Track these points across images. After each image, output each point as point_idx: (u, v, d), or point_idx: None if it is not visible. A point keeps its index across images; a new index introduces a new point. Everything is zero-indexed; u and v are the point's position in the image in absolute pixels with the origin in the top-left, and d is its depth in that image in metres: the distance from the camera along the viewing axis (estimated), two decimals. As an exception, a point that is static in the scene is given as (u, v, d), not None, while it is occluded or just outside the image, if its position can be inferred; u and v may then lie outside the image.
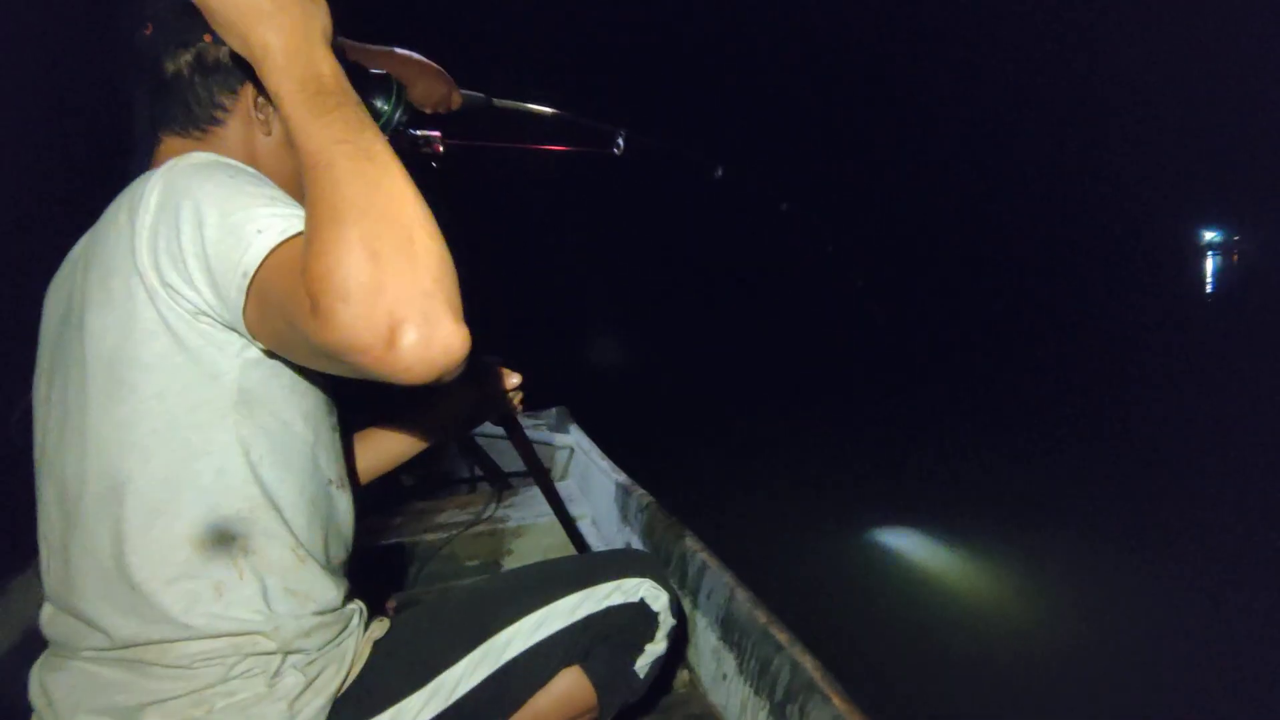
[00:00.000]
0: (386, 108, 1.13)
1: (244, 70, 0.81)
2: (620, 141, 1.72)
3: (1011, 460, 4.76)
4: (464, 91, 1.56)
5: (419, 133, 1.46)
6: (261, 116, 0.84)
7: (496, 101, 1.61)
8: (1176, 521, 3.59)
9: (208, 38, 0.79)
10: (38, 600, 0.82)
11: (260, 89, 0.82)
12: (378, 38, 1.50)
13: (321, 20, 0.63)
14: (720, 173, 1.92)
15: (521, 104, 1.63)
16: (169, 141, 0.82)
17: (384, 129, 1.19)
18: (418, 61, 1.51)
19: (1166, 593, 2.85)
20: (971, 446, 5.10)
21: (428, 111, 1.53)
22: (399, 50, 1.49)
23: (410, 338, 0.51)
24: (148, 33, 0.79)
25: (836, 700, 0.98)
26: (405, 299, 0.51)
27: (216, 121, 0.82)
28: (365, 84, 1.12)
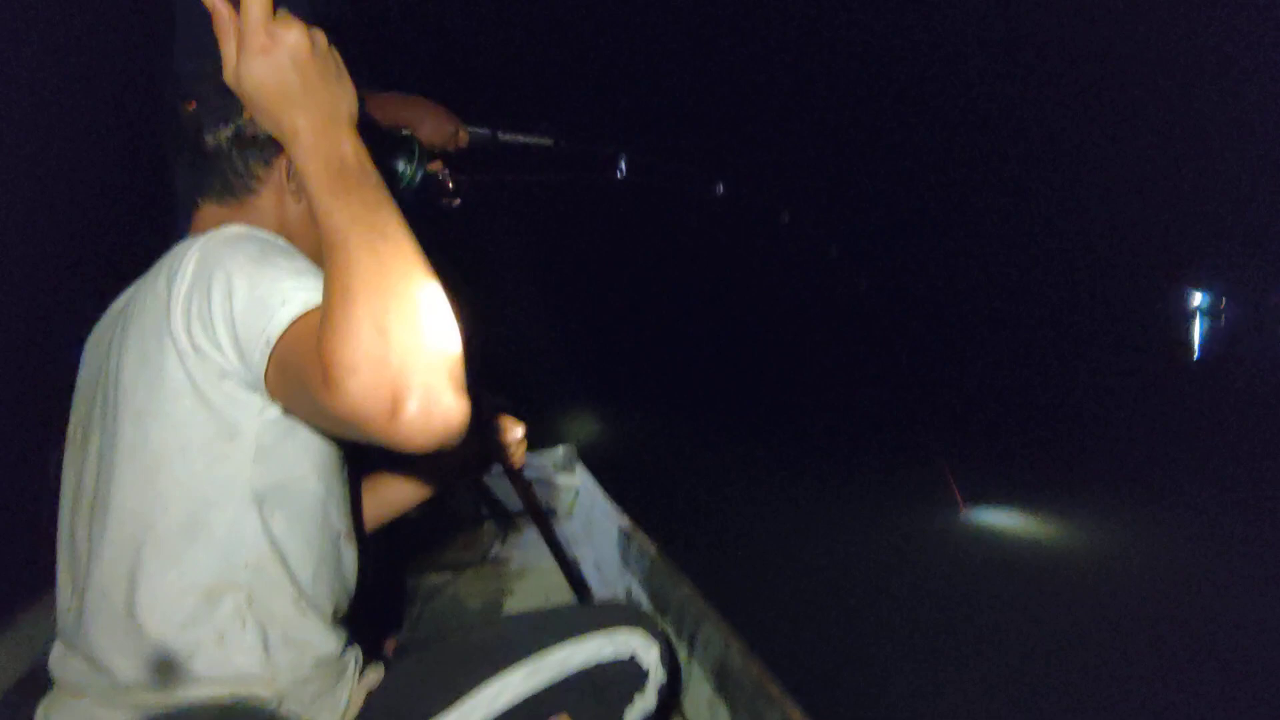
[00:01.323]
0: (409, 170, 1.19)
1: (278, 145, 0.87)
2: (622, 165, 1.76)
3: (1001, 507, 4.79)
4: (470, 128, 1.61)
5: (427, 168, 1.51)
6: (293, 186, 0.90)
7: (501, 135, 1.66)
8: (1163, 563, 3.58)
9: (247, 114, 0.85)
10: (43, 637, 0.86)
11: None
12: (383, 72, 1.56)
13: (348, 104, 0.68)
14: (721, 189, 1.92)
15: (524, 136, 1.68)
16: (207, 208, 0.88)
17: (405, 188, 1.25)
18: (424, 104, 1.57)
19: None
20: (961, 496, 5.16)
21: (436, 150, 1.56)
22: (407, 96, 1.55)
23: (412, 410, 0.55)
24: (190, 109, 0.86)
25: None
26: (408, 372, 0.55)
27: (251, 191, 0.88)
28: (388, 146, 1.17)
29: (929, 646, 2.88)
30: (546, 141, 1.69)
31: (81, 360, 0.90)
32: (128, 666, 0.74)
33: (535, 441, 1.42)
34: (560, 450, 3.00)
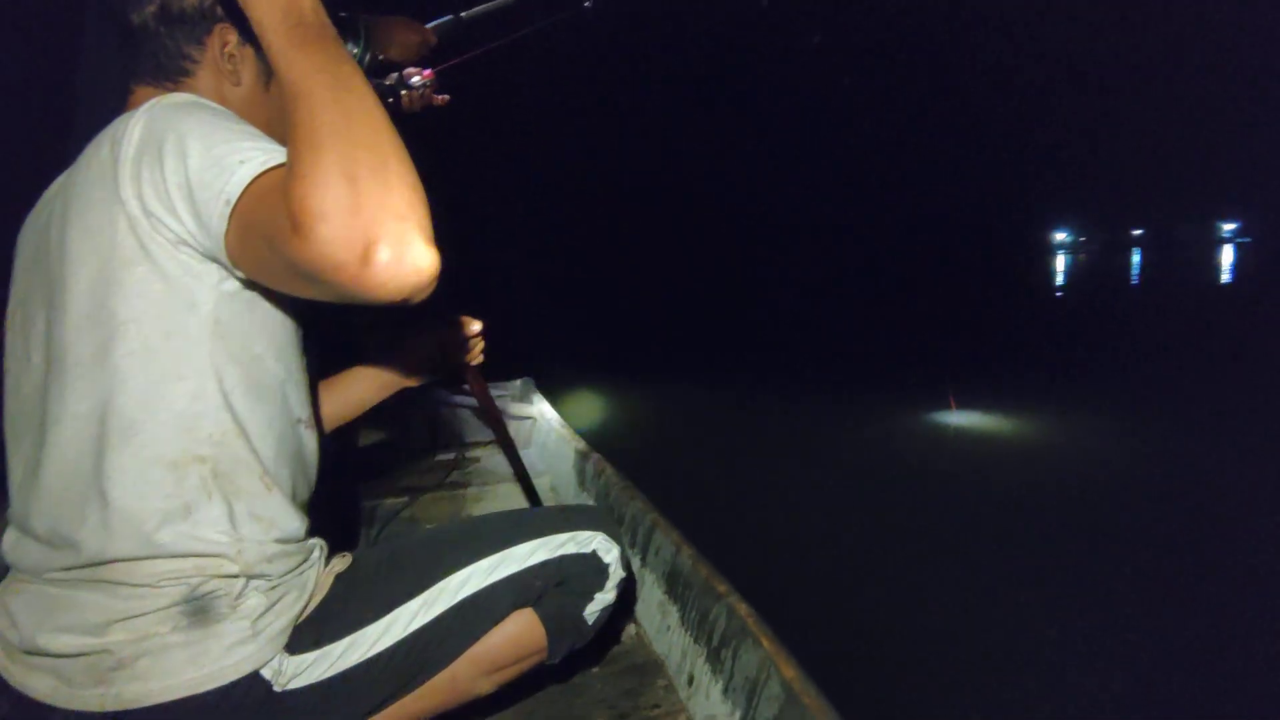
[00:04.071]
0: (357, 50, 1.18)
1: (209, 20, 0.85)
2: None
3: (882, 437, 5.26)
4: (433, 24, 1.59)
5: (414, 79, 1.51)
6: (230, 67, 0.87)
7: (465, 15, 1.62)
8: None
9: None
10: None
11: (238, 40, 0.86)
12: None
13: None
14: None
15: (485, 6, 1.64)
16: (141, 91, 0.85)
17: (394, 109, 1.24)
18: (385, 22, 1.53)
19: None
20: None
21: (411, 59, 1.55)
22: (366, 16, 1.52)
23: (384, 256, 0.55)
24: None
25: (765, 643, 1.06)
26: (380, 220, 0.56)
27: (186, 72, 0.85)
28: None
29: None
30: (509, 1, 1.64)
31: (17, 245, 0.87)
32: (93, 539, 0.74)
33: (494, 372, 1.44)
34: (519, 382, 3.04)
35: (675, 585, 1.38)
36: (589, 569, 1.08)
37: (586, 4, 1.68)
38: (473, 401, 1.43)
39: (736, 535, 3.18)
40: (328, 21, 0.65)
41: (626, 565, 1.15)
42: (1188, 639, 2.42)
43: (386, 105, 1.49)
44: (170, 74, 0.85)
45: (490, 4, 1.63)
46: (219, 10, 0.85)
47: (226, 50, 0.86)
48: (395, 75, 1.53)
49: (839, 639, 2.35)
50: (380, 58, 1.50)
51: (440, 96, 1.57)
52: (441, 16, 1.59)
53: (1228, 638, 2.41)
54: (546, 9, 1.70)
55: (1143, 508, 3.57)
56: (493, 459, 2.64)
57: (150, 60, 0.84)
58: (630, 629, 1.51)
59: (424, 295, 0.59)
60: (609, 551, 1.10)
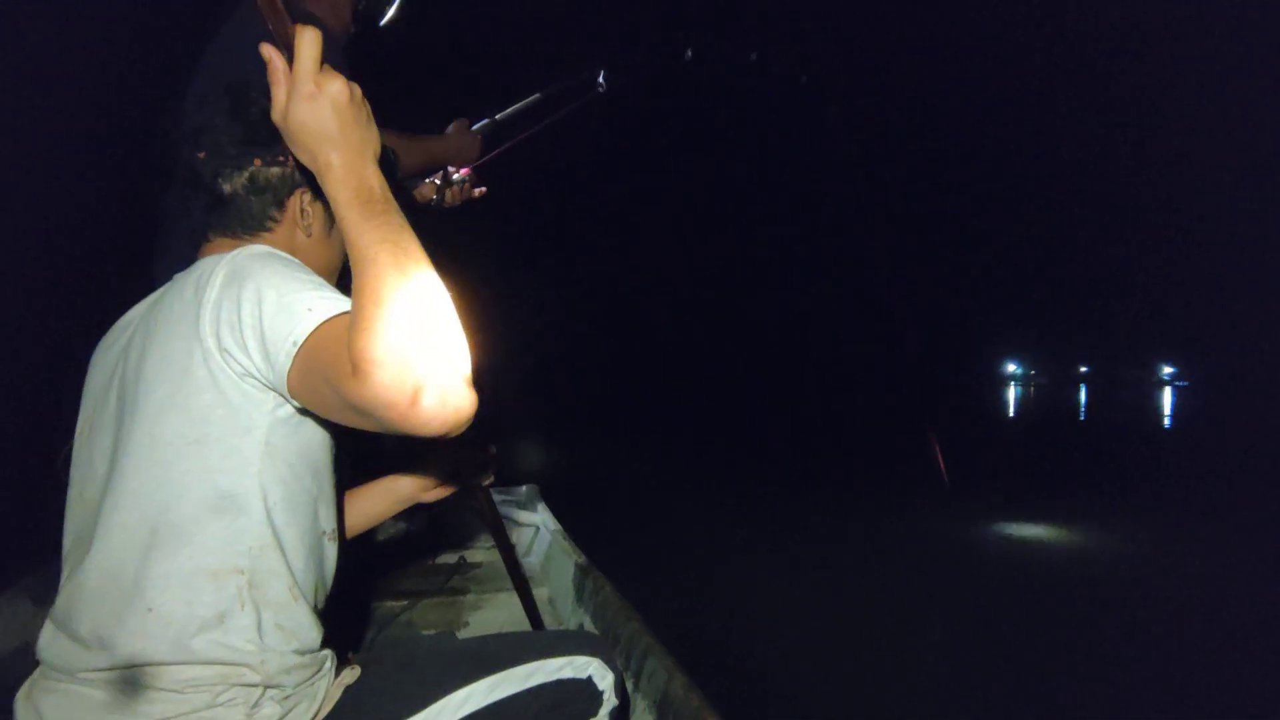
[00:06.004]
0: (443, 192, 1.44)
1: (289, 187, 0.99)
2: (601, 80, 1.91)
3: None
4: (477, 129, 1.84)
5: (455, 176, 1.77)
6: (305, 222, 1.01)
7: (500, 116, 1.87)
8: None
9: (258, 162, 0.97)
10: (21, 622, 0.91)
11: (310, 199, 1.00)
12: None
13: (374, 144, 0.79)
14: (690, 54, 2.03)
15: (513, 105, 1.89)
16: (218, 241, 0.99)
17: (440, 207, 1.67)
18: (445, 138, 1.80)
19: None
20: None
21: (466, 166, 1.82)
22: (427, 137, 1.78)
23: (429, 399, 0.66)
24: (201, 157, 0.97)
25: None
26: (428, 368, 0.66)
27: (267, 229, 0.99)
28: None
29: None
30: (535, 97, 1.89)
31: (90, 366, 0.98)
32: (128, 643, 0.80)
33: (500, 478, 1.52)
34: (524, 489, 3.08)
35: (666, 713, 1.39)
36: (583, 694, 1.12)
37: (600, 90, 1.92)
38: (476, 505, 1.50)
39: (726, 649, 3.15)
40: (390, 195, 0.77)
41: (621, 692, 1.18)
42: None
43: (432, 203, 1.76)
44: (252, 229, 0.98)
45: (520, 104, 1.88)
46: (298, 176, 0.99)
47: (303, 208, 1.00)
48: (440, 174, 1.77)
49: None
50: (451, 170, 1.78)
51: (478, 190, 1.80)
52: (480, 120, 1.84)
53: None
54: (565, 97, 1.93)
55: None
56: (493, 566, 2.66)
57: (236, 219, 0.98)
58: None
59: (462, 430, 0.70)
60: (604, 678, 1.14)
